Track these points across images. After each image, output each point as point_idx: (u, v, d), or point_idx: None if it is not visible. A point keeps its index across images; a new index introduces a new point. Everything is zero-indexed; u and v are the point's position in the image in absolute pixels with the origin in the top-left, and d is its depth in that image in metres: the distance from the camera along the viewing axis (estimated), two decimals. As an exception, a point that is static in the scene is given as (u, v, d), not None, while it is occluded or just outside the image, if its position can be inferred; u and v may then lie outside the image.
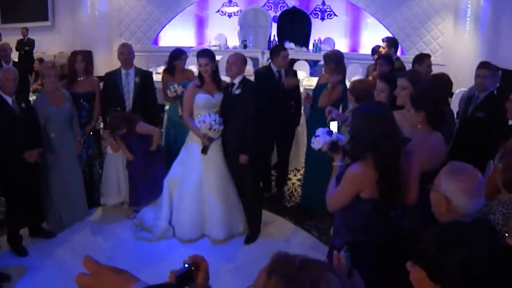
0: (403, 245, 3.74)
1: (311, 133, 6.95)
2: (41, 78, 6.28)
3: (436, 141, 4.20)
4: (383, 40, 9.05)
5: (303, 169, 8.38)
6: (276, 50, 7.42)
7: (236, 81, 6.08)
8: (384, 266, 3.72)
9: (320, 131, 4.25)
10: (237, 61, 6.11)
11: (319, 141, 4.16)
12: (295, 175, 8.44)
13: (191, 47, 12.80)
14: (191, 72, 7.83)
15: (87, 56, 7.45)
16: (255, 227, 6.40)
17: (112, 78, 7.12)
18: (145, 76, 7.16)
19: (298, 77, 8.06)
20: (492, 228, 2.31)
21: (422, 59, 7.01)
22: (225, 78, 6.49)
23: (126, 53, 7.07)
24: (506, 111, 5.41)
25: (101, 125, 7.41)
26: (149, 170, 6.66)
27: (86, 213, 6.92)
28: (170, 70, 7.51)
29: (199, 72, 6.27)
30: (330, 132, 4.21)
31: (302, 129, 8.22)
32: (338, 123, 4.63)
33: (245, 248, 6.21)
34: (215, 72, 6.31)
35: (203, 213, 6.26)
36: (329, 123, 4.58)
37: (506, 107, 5.39)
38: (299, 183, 8.15)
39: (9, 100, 5.79)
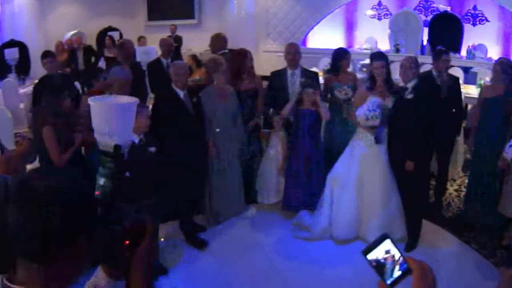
0: None
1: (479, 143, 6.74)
2: (212, 73, 6.44)
3: None
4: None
5: (460, 180, 8.17)
6: (436, 54, 7.24)
7: (410, 85, 5.97)
8: None
9: None
10: (412, 65, 5.99)
11: None
12: (451, 185, 8.13)
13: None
14: (354, 74, 7.65)
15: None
16: (415, 235, 6.24)
17: (278, 77, 7.16)
18: (310, 77, 7.08)
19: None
20: None
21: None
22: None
23: (292, 53, 7.08)
24: None
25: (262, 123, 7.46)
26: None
27: (242, 209, 7.00)
28: (335, 70, 7.34)
29: (371, 75, 6.23)
30: None
31: (459, 138, 7.95)
32: None
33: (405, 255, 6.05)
34: (388, 76, 6.24)
35: (361, 215, 6.20)
36: None
37: None
38: (456, 193, 7.87)
39: (181, 94, 6.02)
